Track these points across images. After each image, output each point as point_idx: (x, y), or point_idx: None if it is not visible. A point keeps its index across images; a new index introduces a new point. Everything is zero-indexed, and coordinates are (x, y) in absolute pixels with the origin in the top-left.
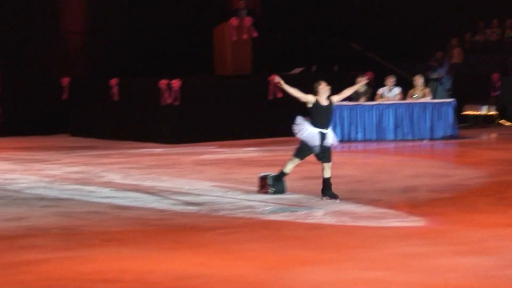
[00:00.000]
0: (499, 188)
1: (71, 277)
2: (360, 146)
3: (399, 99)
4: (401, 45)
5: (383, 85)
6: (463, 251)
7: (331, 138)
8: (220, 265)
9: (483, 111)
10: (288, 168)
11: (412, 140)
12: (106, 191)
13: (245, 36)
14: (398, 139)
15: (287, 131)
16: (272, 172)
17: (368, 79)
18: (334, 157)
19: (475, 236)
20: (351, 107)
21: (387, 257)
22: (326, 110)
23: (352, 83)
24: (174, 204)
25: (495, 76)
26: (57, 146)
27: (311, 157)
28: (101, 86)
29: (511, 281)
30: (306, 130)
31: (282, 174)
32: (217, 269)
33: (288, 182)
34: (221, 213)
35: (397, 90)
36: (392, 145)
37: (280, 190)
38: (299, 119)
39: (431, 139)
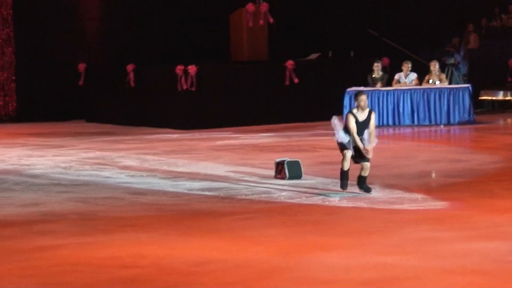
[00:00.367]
0: None
1: (87, 263)
2: (377, 131)
3: (416, 85)
4: (417, 31)
5: (400, 71)
6: (479, 236)
7: (367, 141)
8: (236, 250)
9: (500, 96)
10: (345, 165)
11: (429, 125)
12: (122, 177)
13: (261, 22)
14: (415, 124)
15: (302, 117)
16: (288, 157)
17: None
18: None
19: (491, 221)
20: (367, 92)
21: (403, 242)
22: (362, 124)
23: (368, 69)
24: (190, 190)
25: None
26: (73, 132)
27: (327, 143)
28: (117, 72)
29: None
30: (339, 135)
31: (342, 172)
32: (233, 254)
33: (304, 167)
34: (237, 198)
35: (413, 76)
36: (408, 130)
37: (297, 175)
38: (335, 120)
39: (448, 124)
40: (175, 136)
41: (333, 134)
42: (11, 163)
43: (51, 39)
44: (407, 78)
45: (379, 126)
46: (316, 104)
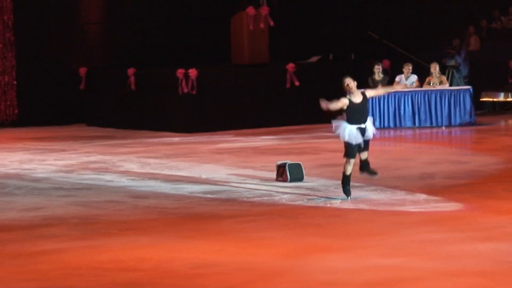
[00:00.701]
0: None
1: (89, 266)
2: (378, 133)
3: (416, 87)
4: (418, 33)
5: (401, 73)
6: (481, 237)
7: (371, 130)
8: (238, 253)
9: (500, 97)
10: (348, 170)
11: (430, 127)
12: (124, 180)
13: (262, 25)
14: (416, 126)
15: (304, 119)
16: (289, 160)
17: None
18: None
19: (492, 222)
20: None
21: (405, 243)
22: (361, 106)
23: (369, 71)
24: (191, 193)
25: None
26: (74, 136)
27: (328, 145)
28: (118, 76)
29: None
30: (345, 131)
31: (345, 177)
32: (235, 257)
33: (305, 169)
34: (239, 201)
35: (414, 78)
36: (409, 132)
37: (298, 177)
38: (335, 121)
39: (449, 126)
40: (176, 139)
41: (338, 136)
42: (13, 168)
43: (52, 43)
44: (407, 80)
45: (380, 128)
46: (317, 106)
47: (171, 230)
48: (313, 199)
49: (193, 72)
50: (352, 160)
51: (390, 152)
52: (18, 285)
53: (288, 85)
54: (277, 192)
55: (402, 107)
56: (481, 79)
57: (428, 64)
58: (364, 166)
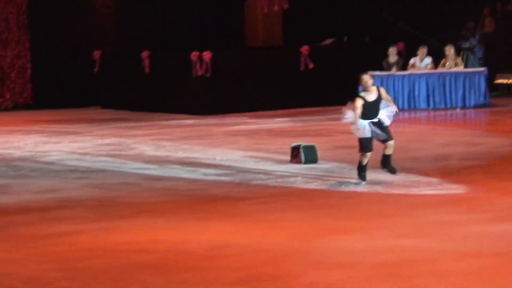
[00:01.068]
0: None
1: (104, 248)
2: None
3: (431, 69)
4: (432, 15)
5: (415, 55)
6: (495, 219)
7: (385, 119)
8: (252, 235)
9: None
10: (364, 161)
11: (444, 109)
12: (138, 163)
13: (276, 8)
14: (430, 108)
15: (318, 102)
16: (304, 142)
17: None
18: None
19: (507, 204)
20: (383, 77)
21: (419, 225)
22: (374, 104)
23: (383, 54)
24: (206, 175)
25: None
26: (89, 119)
27: (342, 127)
28: (132, 59)
29: None
30: (358, 128)
31: (361, 166)
32: (249, 239)
33: (319, 151)
34: (253, 183)
35: (428, 60)
36: (424, 114)
37: (312, 159)
38: (349, 113)
39: (463, 108)
40: (190, 122)
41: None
42: (28, 150)
43: (66, 26)
44: (422, 62)
45: None
46: (331, 89)
47: (186, 212)
48: (328, 180)
49: (207, 55)
50: (368, 154)
51: (404, 134)
52: (34, 267)
53: (302, 68)
54: (291, 174)
55: (416, 89)
56: (496, 61)
57: (443, 46)
58: (385, 162)
